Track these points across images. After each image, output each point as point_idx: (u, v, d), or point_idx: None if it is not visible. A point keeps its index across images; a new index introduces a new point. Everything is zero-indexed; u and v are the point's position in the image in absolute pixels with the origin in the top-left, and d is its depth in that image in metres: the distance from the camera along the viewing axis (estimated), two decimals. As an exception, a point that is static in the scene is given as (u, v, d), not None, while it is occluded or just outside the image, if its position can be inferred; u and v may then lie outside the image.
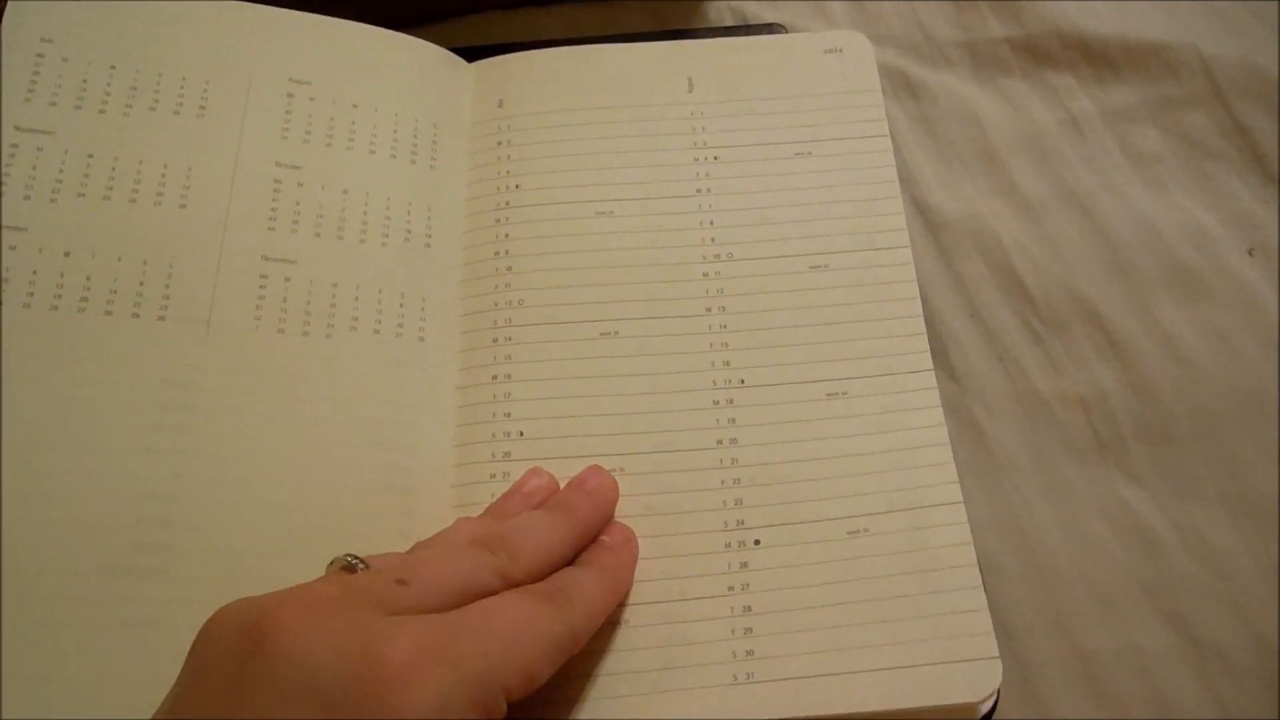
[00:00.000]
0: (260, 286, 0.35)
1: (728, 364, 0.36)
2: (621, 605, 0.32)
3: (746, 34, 0.44)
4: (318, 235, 0.37)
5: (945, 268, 0.41)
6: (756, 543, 0.33)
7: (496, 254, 0.38)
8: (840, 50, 0.42)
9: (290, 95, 0.39)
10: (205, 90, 0.38)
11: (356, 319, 0.36)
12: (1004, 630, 0.34)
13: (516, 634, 0.26)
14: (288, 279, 0.36)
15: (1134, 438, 0.38)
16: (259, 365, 0.34)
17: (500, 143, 0.41)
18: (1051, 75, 0.46)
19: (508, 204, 0.39)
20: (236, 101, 0.39)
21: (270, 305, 0.35)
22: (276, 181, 0.37)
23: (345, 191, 0.38)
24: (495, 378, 0.36)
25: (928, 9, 0.47)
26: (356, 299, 0.36)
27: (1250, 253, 0.41)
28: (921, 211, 0.42)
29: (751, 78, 0.41)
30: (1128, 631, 0.34)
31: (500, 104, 0.41)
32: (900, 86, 0.45)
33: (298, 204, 0.37)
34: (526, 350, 0.36)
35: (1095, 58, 0.46)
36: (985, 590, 0.32)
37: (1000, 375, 0.39)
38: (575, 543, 0.31)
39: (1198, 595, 0.35)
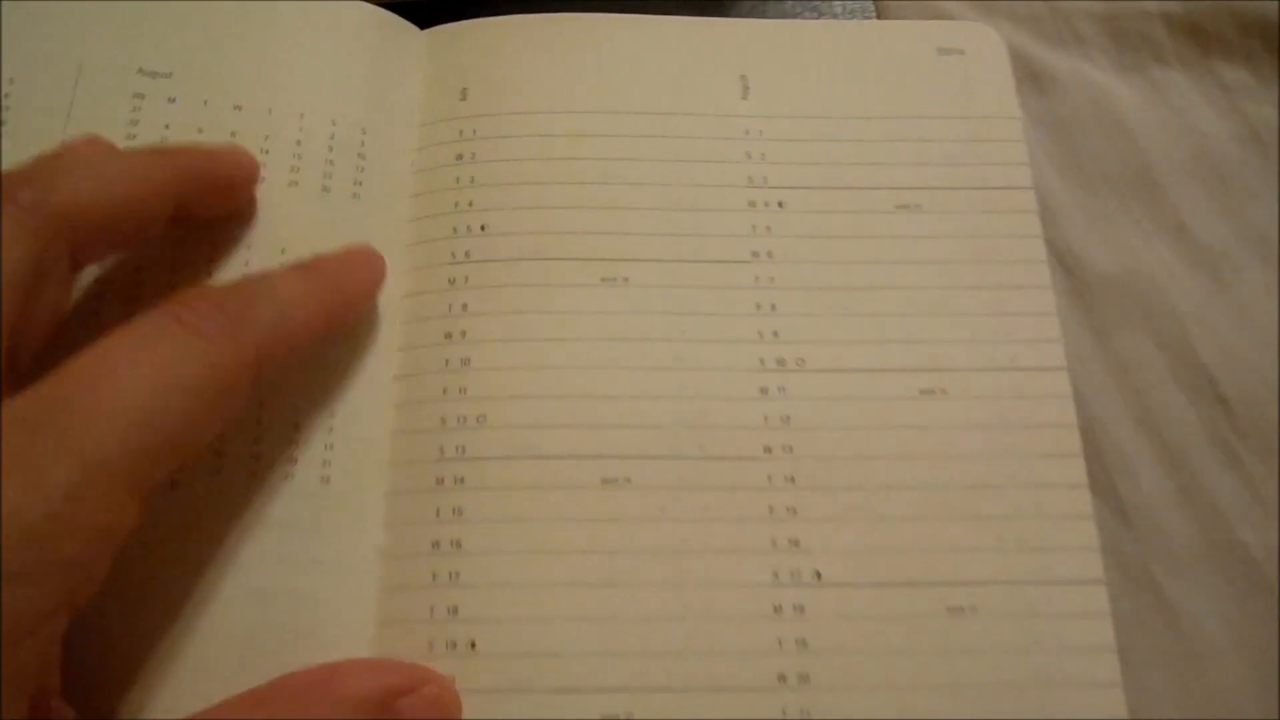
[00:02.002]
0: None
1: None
2: None
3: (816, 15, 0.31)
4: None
5: (1099, 347, 0.29)
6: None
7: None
8: (962, 51, 0.29)
9: (140, 95, 0.26)
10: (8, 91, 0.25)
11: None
12: None
13: (135, 393, 0.19)
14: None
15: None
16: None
17: (460, 156, 0.27)
18: (1222, 67, 0.33)
19: (467, 255, 0.26)
20: (55, 101, 0.25)
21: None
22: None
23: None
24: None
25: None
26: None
27: None
28: (1060, 260, 0.30)
29: (833, 86, 0.28)
30: None
31: (463, 96, 0.28)
32: (1018, 73, 0.32)
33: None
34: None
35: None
36: None
37: (1187, 515, 0.27)
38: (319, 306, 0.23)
39: None
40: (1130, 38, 0.34)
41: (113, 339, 0.19)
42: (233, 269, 0.25)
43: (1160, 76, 0.33)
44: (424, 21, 0.29)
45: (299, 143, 0.26)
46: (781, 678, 0.22)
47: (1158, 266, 0.30)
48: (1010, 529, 0.24)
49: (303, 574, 0.23)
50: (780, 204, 0.27)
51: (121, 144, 0.25)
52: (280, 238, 0.26)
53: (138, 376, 0.18)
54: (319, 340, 0.23)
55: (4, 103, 0.26)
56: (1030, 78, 0.32)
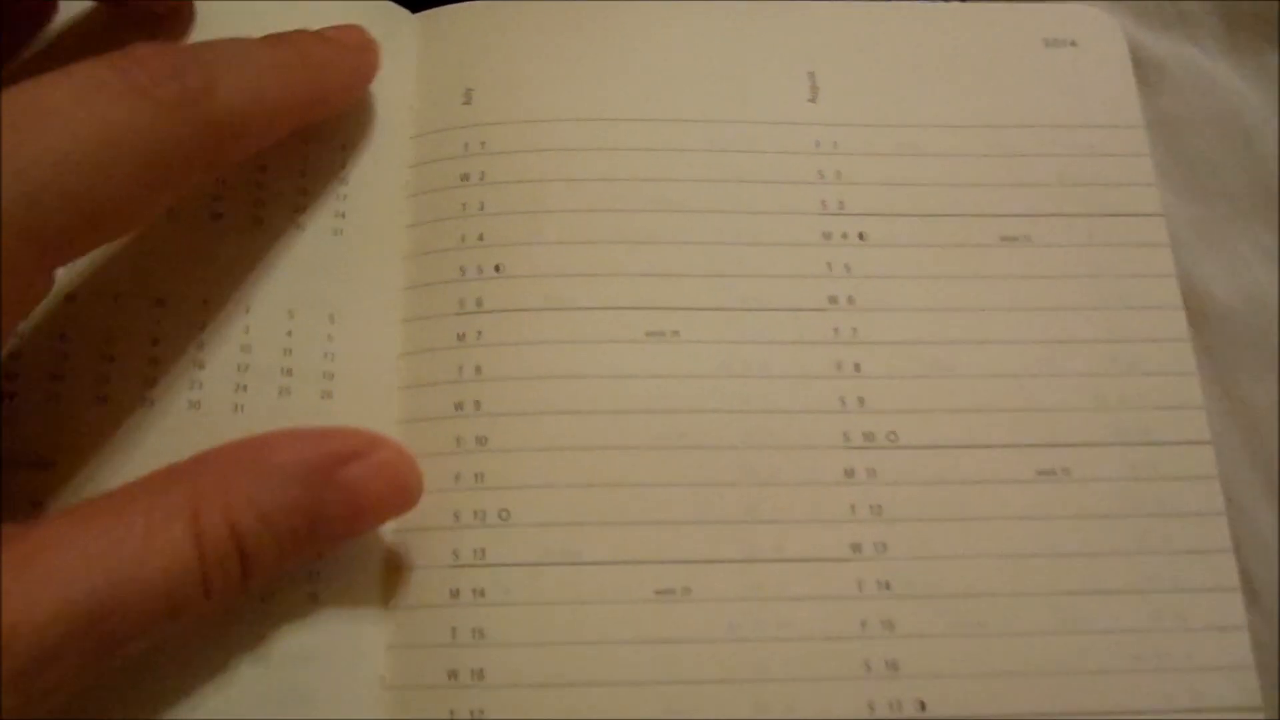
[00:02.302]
0: None
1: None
2: None
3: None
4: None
5: (1222, 393, 0.25)
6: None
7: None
8: (1073, 42, 0.24)
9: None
10: None
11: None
12: None
13: (61, 143, 0.16)
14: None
15: None
16: None
17: (466, 176, 0.22)
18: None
19: (479, 303, 0.21)
20: None
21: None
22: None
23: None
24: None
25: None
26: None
27: None
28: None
29: (919, 85, 0.23)
30: None
31: (468, 99, 0.23)
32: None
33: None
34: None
35: None
36: None
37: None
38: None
39: None
40: (1243, 19, 0.29)
41: (45, 82, 0.17)
42: (183, 336, 0.20)
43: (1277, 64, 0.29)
44: (416, 4, 0.24)
45: (264, 169, 0.21)
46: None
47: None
48: (1150, 642, 0.20)
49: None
50: (861, 235, 0.22)
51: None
52: (242, 291, 0.21)
53: (67, 126, 0.16)
54: (282, 130, 0.20)
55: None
56: (1135, 66, 0.27)
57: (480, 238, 0.21)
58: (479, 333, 0.21)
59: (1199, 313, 0.25)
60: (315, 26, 0.21)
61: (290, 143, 0.21)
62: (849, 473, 0.20)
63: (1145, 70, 0.27)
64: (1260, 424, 0.24)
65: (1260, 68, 0.28)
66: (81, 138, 0.16)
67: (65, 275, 0.20)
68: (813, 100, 0.23)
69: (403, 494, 0.19)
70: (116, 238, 0.18)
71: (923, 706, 0.19)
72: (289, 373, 0.20)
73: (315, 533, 0.18)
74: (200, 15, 0.22)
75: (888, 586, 0.20)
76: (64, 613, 0.15)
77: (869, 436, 0.21)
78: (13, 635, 0.15)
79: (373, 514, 0.19)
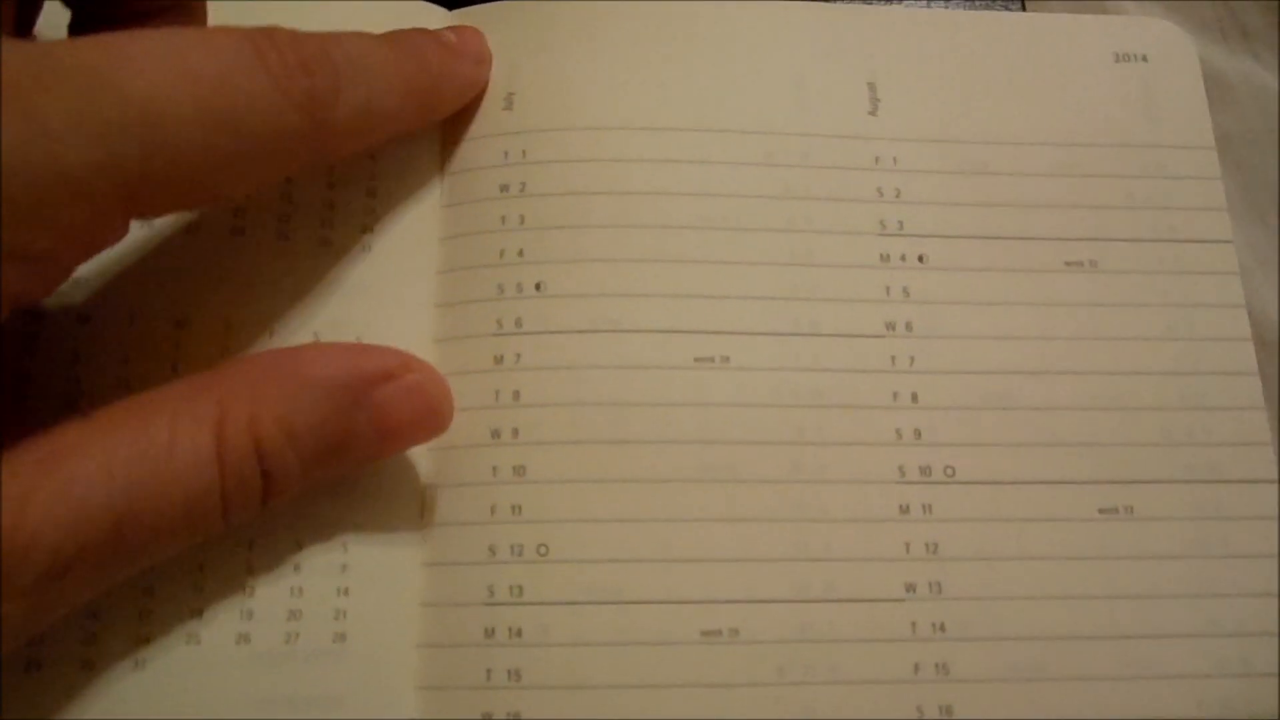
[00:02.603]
0: None
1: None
2: None
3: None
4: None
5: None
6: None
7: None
8: (1144, 58, 0.23)
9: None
10: None
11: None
12: None
13: (172, 91, 0.15)
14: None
15: None
16: None
17: (505, 187, 0.21)
18: None
19: (518, 324, 0.20)
20: None
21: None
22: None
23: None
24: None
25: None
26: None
27: None
28: None
29: (984, 99, 0.22)
30: None
31: (508, 104, 0.22)
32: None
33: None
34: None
35: None
36: None
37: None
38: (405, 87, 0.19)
39: None
40: (1306, 29, 0.28)
41: (184, 33, 0.16)
42: (203, 361, 0.19)
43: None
44: (453, 1, 0.22)
45: (287, 180, 0.20)
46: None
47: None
48: (1215, 689, 0.19)
49: None
50: (921, 258, 0.21)
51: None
52: (265, 311, 0.20)
53: (192, 81, 0.16)
54: (386, 137, 0.20)
55: None
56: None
57: (520, 253, 0.20)
58: (518, 356, 0.20)
59: (1259, 340, 0.24)
60: (351, 26, 0.19)
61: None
62: (904, 508, 0.19)
63: (1208, 86, 0.26)
64: (1322, 458, 0.24)
65: (1324, 82, 0.27)
66: (200, 97, 0.16)
67: (79, 295, 0.19)
68: (873, 113, 0.22)
69: (434, 418, 0.19)
70: (190, 207, 0.18)
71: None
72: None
73: (341, 453, 0.18)
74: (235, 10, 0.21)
75: (942, 629, 0.19)
76: (82, 523, 0.15)
77: (925, 470, 0.20)
78: (31, 544, 0.14)
79: (402, 437, 0.18)
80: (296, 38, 0.17)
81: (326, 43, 0.18)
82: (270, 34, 0.17)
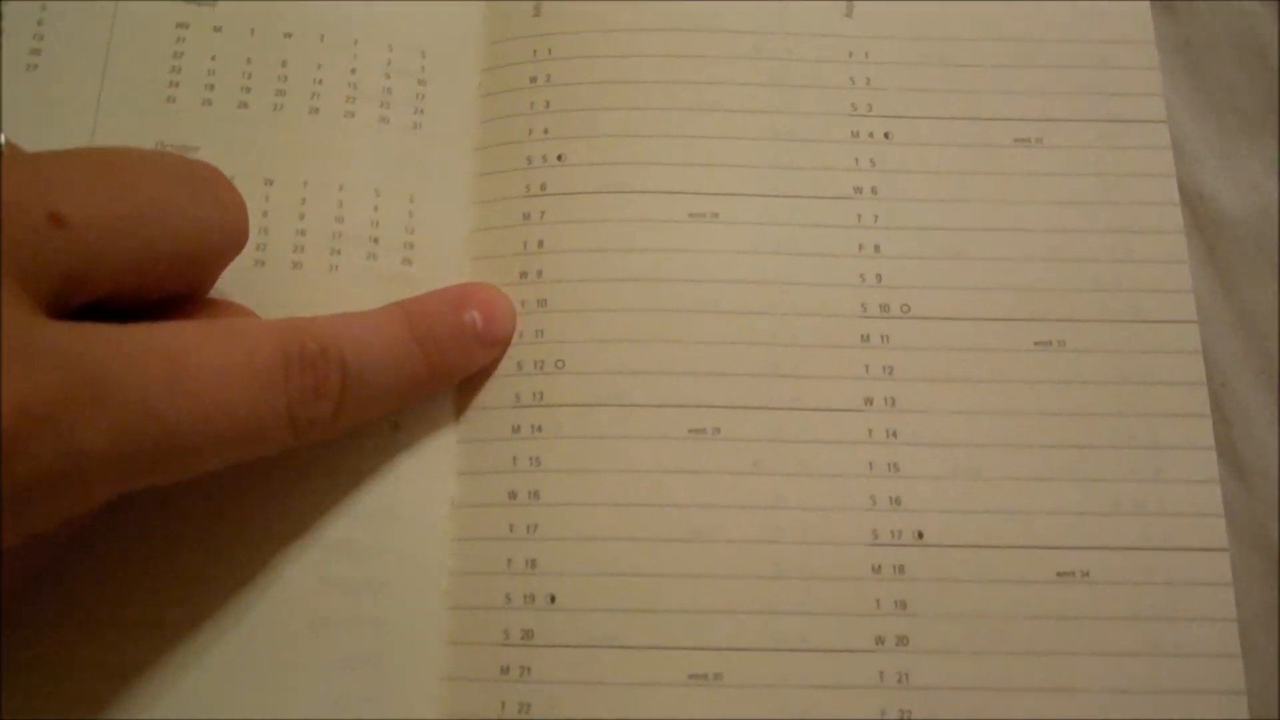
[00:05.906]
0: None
1: (897, 502, 0.22)
2: None
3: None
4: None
5: (1224, 293, 0.27)
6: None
7: (522, 275, 0.24)
8: (1092, -35, 0.26)
9: (183, 25, 0.24)
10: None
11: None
12: None
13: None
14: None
15: None
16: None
17: (534, 79, 0.25)
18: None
19: (543, 188, 0.24)
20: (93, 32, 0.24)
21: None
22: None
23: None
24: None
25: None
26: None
27: None
28: (1187, 200, 0.28)
29: (947, 5, 0.26)
30: None
31: (536, 11, 0.26)
32: None
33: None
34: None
35: None
36: None
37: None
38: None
39: None
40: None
41: (214, 329, 0.17)
42: (289, 210, 0.23)
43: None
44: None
45: (354, 71, 0.24)
46: (879, 640, 0.21)
47: (1292, 209, 0.28)
48: (1129, 492, 0.22)
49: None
50: (887, 135, 0.24)
51: (164, 81, 0.24)
52: (335, 174, 0.24)
53: (217, 407, 0.17)
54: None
55: (40, 31, 0.24)
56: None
57: (545, 131, 0.24)
58: (542, 213, 0.24)
59: (1208, 220, 0.27)
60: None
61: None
62: (865, 338, 0.23)
63: (1167, -3, 0.29)
64: (1267, 332, 0.26)
65: (1283, 1, 0.30)
66: (223, 429, 0.17)
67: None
68: (848, 15, 0.25)
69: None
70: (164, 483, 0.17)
71: (920, 535, 0.22)
72: (375, 241, 0.23)
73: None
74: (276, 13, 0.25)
75: (894, 435, 0.22)
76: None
77: (885, 308, 0.23)
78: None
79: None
80: (322, 353, 0.18)
81: (345, 352, 0.19)
82: (301, 344, 0.18)
